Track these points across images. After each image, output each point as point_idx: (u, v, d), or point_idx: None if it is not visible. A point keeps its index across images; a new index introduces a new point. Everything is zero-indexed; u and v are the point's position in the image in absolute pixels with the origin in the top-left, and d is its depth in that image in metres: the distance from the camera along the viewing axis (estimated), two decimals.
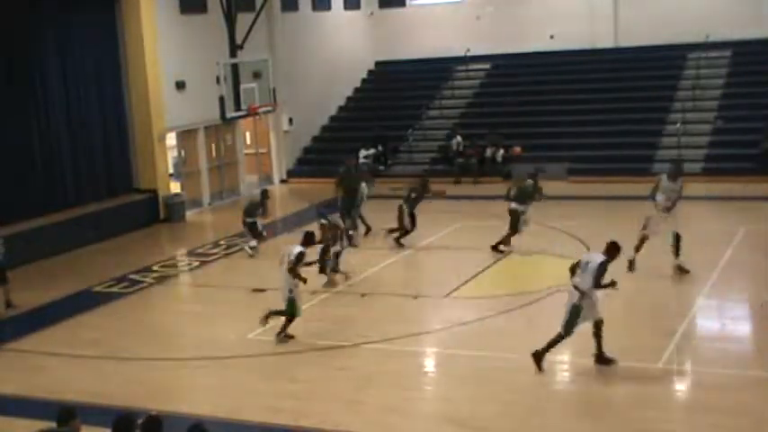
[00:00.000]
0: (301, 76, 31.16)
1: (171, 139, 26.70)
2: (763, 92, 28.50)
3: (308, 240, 15.04)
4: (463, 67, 34.13)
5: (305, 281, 14.47)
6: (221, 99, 24.81)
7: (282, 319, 14.43)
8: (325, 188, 26.63)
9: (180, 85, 26.05)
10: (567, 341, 14.37)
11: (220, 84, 25.03)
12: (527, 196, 19.18)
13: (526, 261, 18.84)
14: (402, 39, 35.14)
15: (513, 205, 19.14)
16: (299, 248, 14.42)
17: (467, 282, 17.49)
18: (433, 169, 29.30)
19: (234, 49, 27.02)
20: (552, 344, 12.62)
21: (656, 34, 31.20)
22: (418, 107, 32.36)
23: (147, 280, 19.17)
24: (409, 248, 20.15)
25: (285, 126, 30.91)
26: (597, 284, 12.36)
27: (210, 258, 20.88)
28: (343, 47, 34.09)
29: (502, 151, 29.05)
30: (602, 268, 12.36)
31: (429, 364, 14.07)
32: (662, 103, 29.59)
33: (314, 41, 32.41)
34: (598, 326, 12.59)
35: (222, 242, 22.27)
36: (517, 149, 29.11)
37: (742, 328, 15.02)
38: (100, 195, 24.01)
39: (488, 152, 29.12)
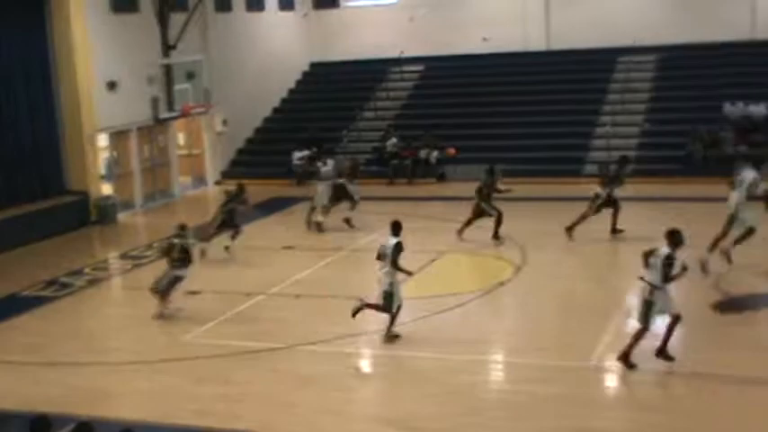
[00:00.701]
0: (235, 76, 30.94)
1: (104, 140, 26.32)
2: (689, 95, 29.15)
3: (397, 229, 14.52)
4: (397, 69, 34.28)
5: (411, 273, 14.51)
6: (154, 100, 24.55)
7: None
8: (260, 189, 26.55)
9: (112, 86, 25.64)
10: (501, 341, 14.63)
11: (153, 84, 24.77)
12: (609, 180, 20.12)
13: (458, 262, 19.00)
14: (337, 40, 35.15)
15: (598, 189, 20.14)
16: (393, 240, 14.18)
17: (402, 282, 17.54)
18: (368, 170, 29.34)
19: (167, 49, 26.78)
20: (636, 339, 12.48)
21: (586, 38, 31.68)
22: (353, 108, 32.42)
23: (79, 283, 18.90)
24: (342, 250, 20.17)
25: (219, 127, 30.67)
26: (666, 278, 12.27)
27: (144, 261, 20.66)
28: (278, 48, 33.97)
29: (436, 152, 29.20)
30: (667, 261, 12.28)
31: (365, 366, 14.12)
32: (592, 106, 30.07)
33: (248, 42, 32.22)
34: (675, 321, 12.47)
35: (155, 244, 22.00)
36: (451, 151, 29.30)
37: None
38: (34, 197, 23.56)
39: (422, 153, 29.26)
